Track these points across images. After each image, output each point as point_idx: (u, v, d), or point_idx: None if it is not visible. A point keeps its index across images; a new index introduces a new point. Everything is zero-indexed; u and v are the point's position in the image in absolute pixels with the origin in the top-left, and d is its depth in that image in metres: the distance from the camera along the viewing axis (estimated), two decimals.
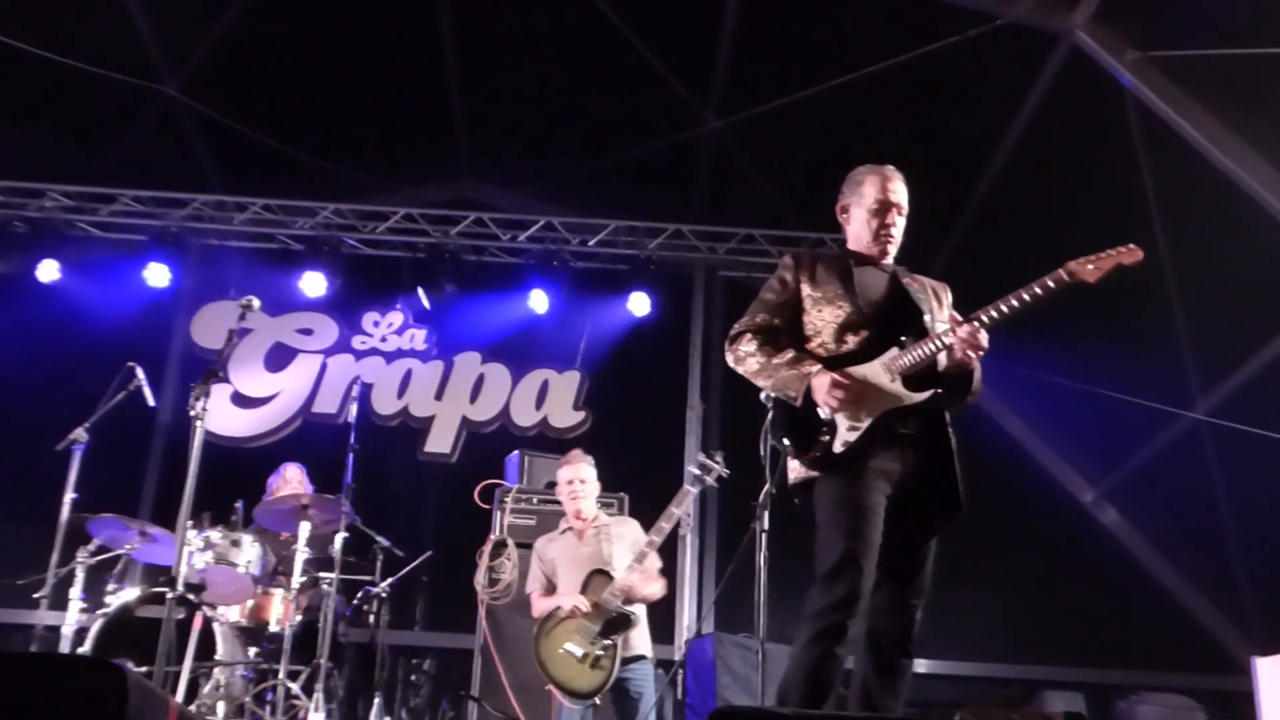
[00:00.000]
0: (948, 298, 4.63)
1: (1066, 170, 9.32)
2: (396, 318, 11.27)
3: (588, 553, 6.77)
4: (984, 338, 4.21)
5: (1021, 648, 10.76)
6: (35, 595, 7.07)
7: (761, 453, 4.70)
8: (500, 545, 7.91)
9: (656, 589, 6.73)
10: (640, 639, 6.62)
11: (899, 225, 4.57)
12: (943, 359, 4.29)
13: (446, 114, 11.04)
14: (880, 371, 4.26)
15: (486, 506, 8.34)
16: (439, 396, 11.03)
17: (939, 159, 10.02)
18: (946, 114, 9.63)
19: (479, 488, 8.38)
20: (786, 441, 4.37)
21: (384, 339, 11.19)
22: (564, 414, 10.99)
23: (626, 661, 6.47)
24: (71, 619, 7.05)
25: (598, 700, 6.42)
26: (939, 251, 9.87)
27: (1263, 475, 9.08)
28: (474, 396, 11.06)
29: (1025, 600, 10.50)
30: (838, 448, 4.22)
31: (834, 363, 4.30)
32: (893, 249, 4.57)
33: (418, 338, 11.18)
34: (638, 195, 10.94)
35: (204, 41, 10.05)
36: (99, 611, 7.04)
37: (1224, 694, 9.92)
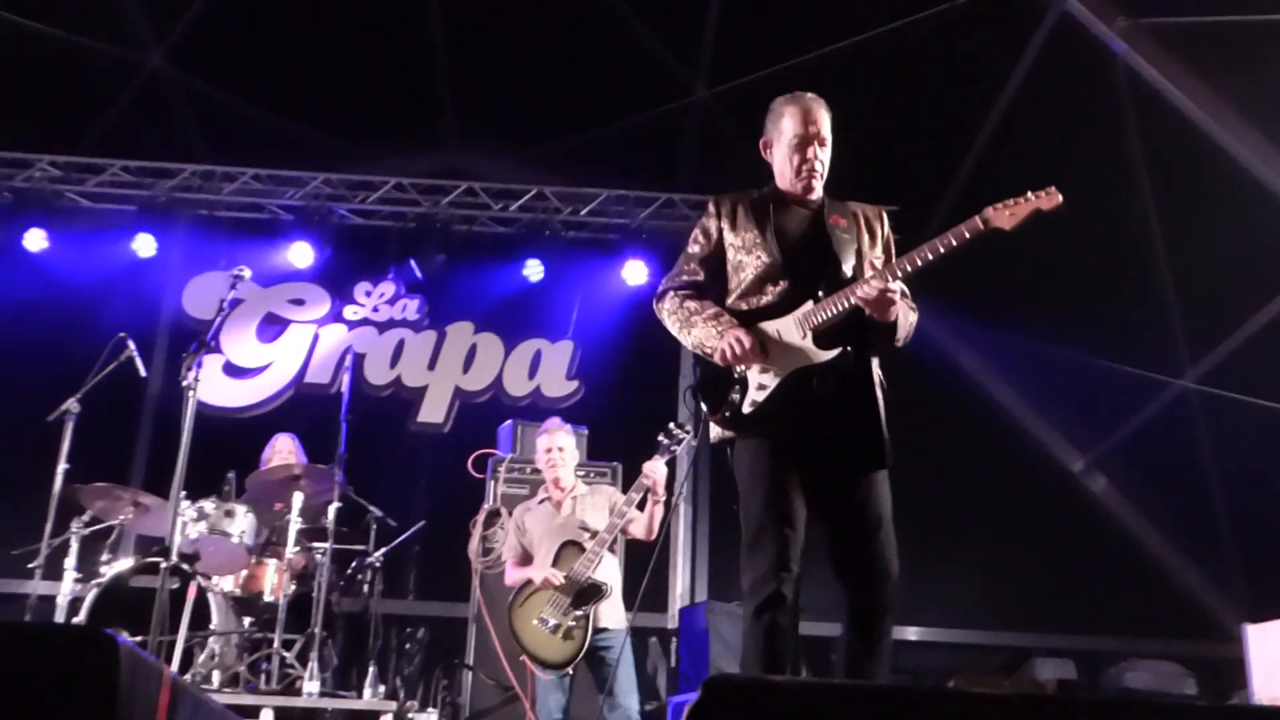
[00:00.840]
0: (882, 228, 4.46)
1: (1057, 138, 9.30)
2: (388, 288, 11.24)
3: (564, 522, 6.76)
4: (896, 289, 4.03)
5: (1012, 615, 10.80)
6: (29, 565, 7.10)
7: (688, 409, 4.64)
8: (494, 515, 7.92)
9: (641, 529, 6.69)
10: (610, 612, 6.58)
11: (823, 158, 4.37)
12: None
13: (435, 83, 11.00)
14: (793, 327, 4.16)
15: (480, 476, 8.37)
16: (431, 366, 11.02)
17: (929, 127, 10.01)
18: (937, 82, 9.61)
19: (472, 457, 8.40)
20: (702, 402, 4.32)
21: (376, 309, 11.17)
22: (557, 384, 10.99)
23: (597, 631, 6.48)
24: (66, 589, 7.08)
25: (570, 670, 6.46)
26: (929, 220, 9.86)
27: (1252, 442, 9.11)
28: (467, 366, 11.05)
29: (1016, 568, 10.53)
30: (746, 408, 4.17)
31: (751, 317, 4.24)
32: (818, 183, 4.38)
33: (410, 308, 11.16)
34: (628, 164, 10.91)
35: (191, 11, 10.00)
36: (93, 581, 7.06)
37: (1214, 661, 9.97)
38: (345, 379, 8.10)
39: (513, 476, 8.31)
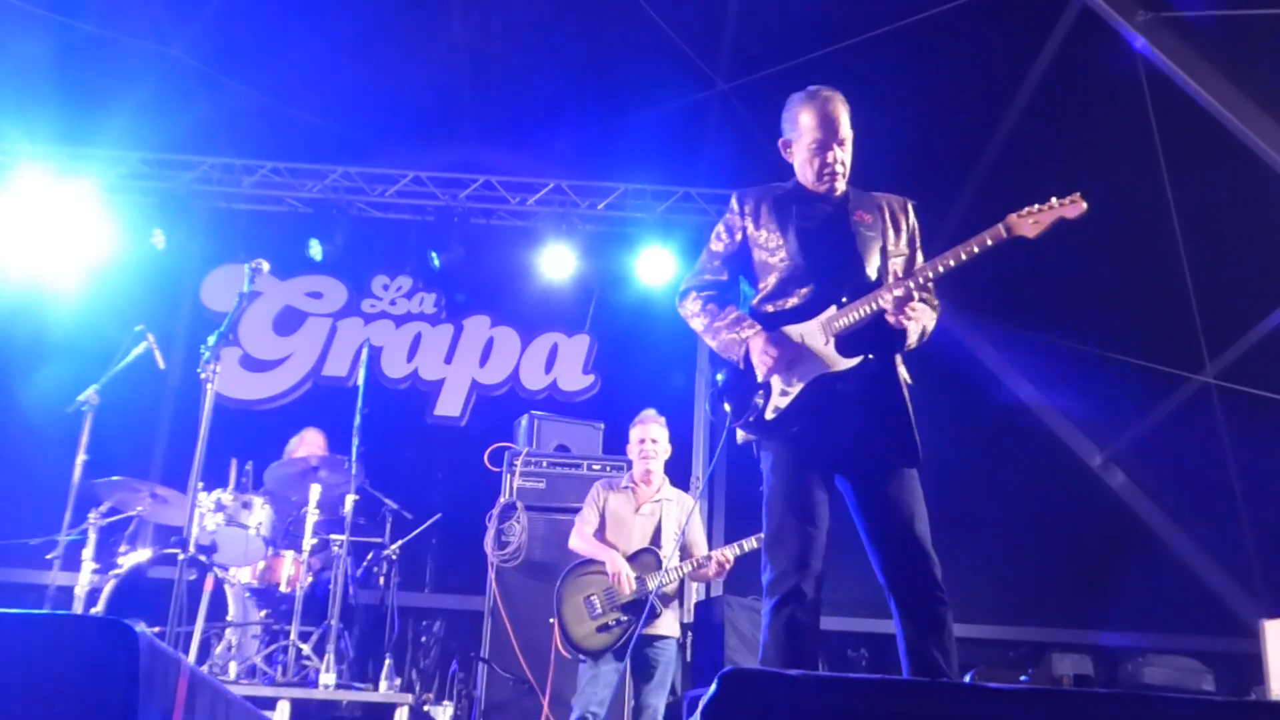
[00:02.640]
0: (908, 219, 4.45)
1: (1077, 132, 9.27)
2: (406, 281, 11.26)
3: (643, 525, 6.82)
4: (913, 301, 4.05)
5: (1030, 611, 10.77)
6: (48, 556, 7.14)
7: (714, 415, 4.60)
8: (510, 508, 7.95)
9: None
10: (667, 622, 6.70)
11: (844, 158, 4.34)
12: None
13: (455, 76, 11.00)
14: (817, 331, 4.17)
15: (496, 469, 8.37)
16: (448, 360, 11.04)
17: (948, 121, 9.98)
18: (955, 76, 9.57)
19: (488, 451, 8.42)
20: (727, 407, 4.33)
21: (393, 302, 11.19)
22: (573, 377, 11.00)
23: (657, 638, 6.59)
24: (84, 580, 7.11)
25: (582, 658, 6.54)
26: (947, 214, 9.84)
27: (1272, 438, 9.06)
28: (484, 360, 11.06)
29: (1034, 563, 10.51)
30: (769, 414, 4.18)
31: (777, 320, 4.24)
32: (840, 183, 4.36)
33: (427, 301, 11.18)
34: (646, 158, 10.89)
35: (212, 3, 10.01)
36: (111, 573, 7.10)
37: (1232, 656, 9.93)
38: (362, 372, 8.11)
39: (529, 470, 8.31)
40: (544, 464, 8.29)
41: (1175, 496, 10.79)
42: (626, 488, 7.00)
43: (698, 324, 4.45)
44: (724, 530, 10.62)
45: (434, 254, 10.71)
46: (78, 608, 6.98)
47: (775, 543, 4.08)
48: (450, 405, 10.93)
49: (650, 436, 7.01)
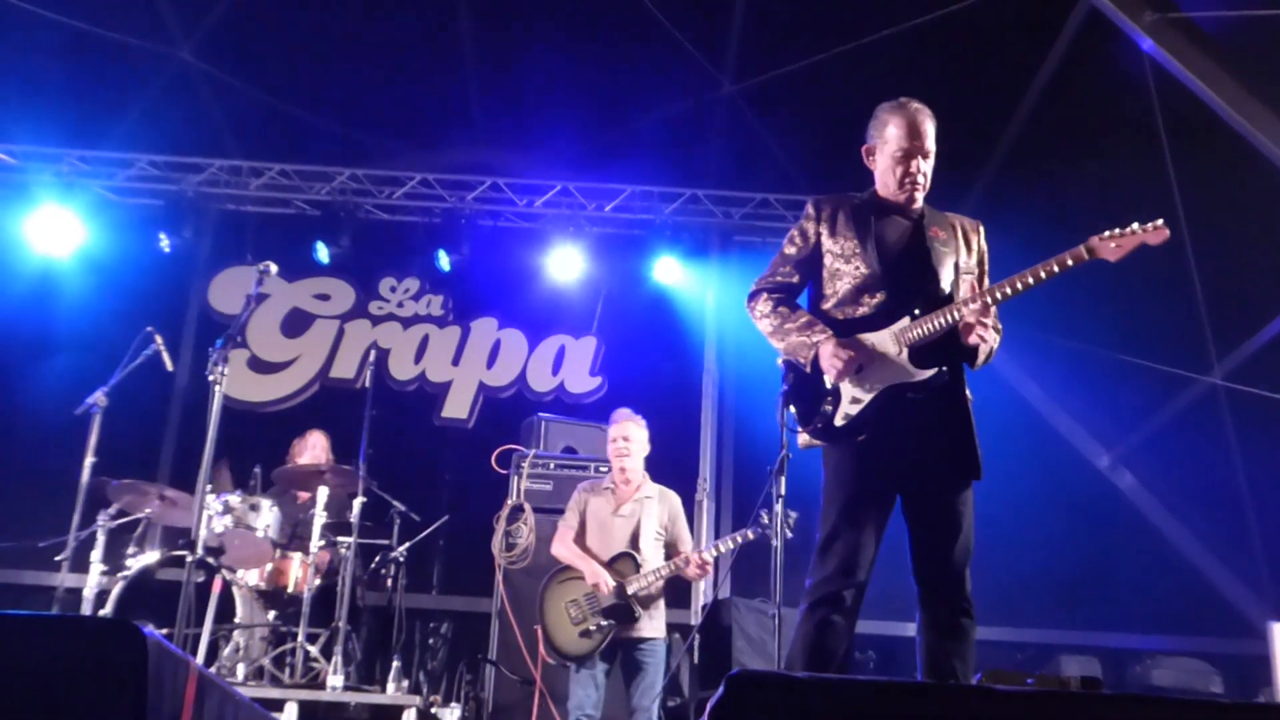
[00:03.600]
0: (978, 240, 4.49)
1: (1085, 134, 9.26)
2: (413, 283, 11.27)
3: (622, 527, 6.82)
4: (991, 316, 4.09)
5: (1037, 612, 10.75)
6: (56, 558, 7.15)
7: (778, 417, 4.60)
8: (517, 510, 7.95)
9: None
10: (651, 623, 6.66)
11: (926, 170, 4.41)
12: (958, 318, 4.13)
13: (462, 79, 11.01)
14: (889, 341, 4.17)
15: (503, 471, 8.37)
16: (456, 362, 11.04)
17: (956, 123, 9.96)
18: (964, 78, 9.56)
19: (496, 453, 8.42)
20: (792, 410, 4.34)
21: (400, 304, 11.20)
22: (580, 379, 11.00)
23: (641, 641, 6.58)
24: (92, 582, 7.12)
25: (568, 664, 6.57)
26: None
27: None
28: (491, 362, 11.06)
29: (1041, 564, 10.49)
30: (838, 420, 4.18)
31: (847, 328, 4.23)
32: (920, 195, 4.41)
33: (434, 303, 11.19)
34: (653, 160, 10.89)
35: (220, 5, 10.02)
36: (119, 574, 7.10)
37: (1240, 658, 9.92)
38: (369, 374, 8.12)
39: (536, 472, 8.31)
40: (551, 466, 8.29)
41: (1183, 498, 10.78)
42: (607, 489, 7.01)
43: (767, 325, 4.43)
44: (731, 531, 10.61)
45: (444, 255, 10.69)
46: (86, 609, 6.99)
47: (826, 547, 4.09)
48: (458, 407, 10.93)
49: (623, 435, 7.01)
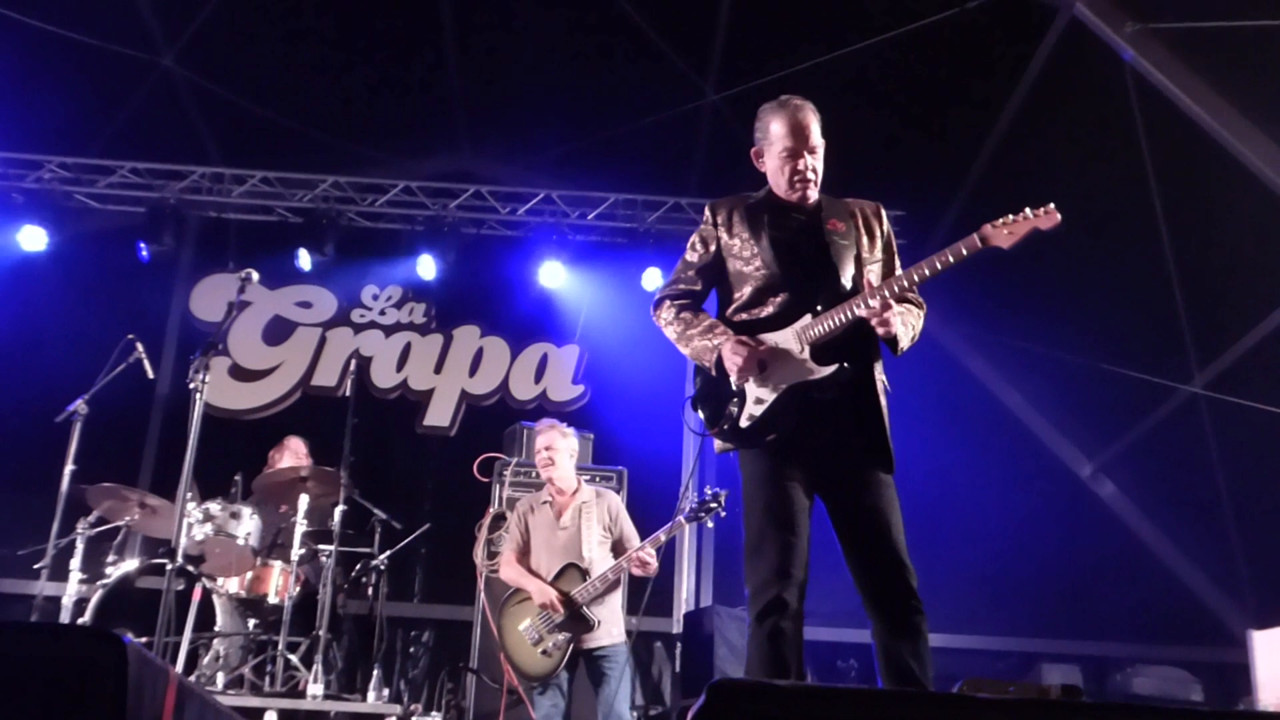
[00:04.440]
0: (881, 226, 4.43)
1: (1066, 143, 9.29)
2: (395, 291, 11.28)
3: (565, 538, 6.77)
4: (894, 309, 4.02)
5: (1019, 620, 10.78)
6: (35, 566, 7.11)
7: (685, 420, 4.59)
8: (499, 518, 7.94)
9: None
10: (607, 632, 6.62)
11: (815, 165, 4.31)
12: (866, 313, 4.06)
13: (445, 86, 11.01)
14: (792, 340, 4.14)
15: (485, 479, 8.37)
16: (438, 370, 11.05)
17: (937, 132, 10.01)
18: (945, 87, 9.60)
19: (478, 461, 8.41)
20: (700, 414, 4.32)
21: (383, 312, 11.20)
22: (563, 387, 11.02)
23: (596, 652, 6.57)
24: (72, 590, 7.09)
25: (534, 686, 6.56)
26: (936, 225, 9.87)
27: (1260, 448, 9.09)
28: (473, 370, 11.07)
29: (1023, 573, 10.52)
30: (743, 421, 4.16)
31: (753, 329, 4.22)
32: (813, 191, 4.33)
33: (417, 311, 11.19)
34: (637, 168, 10.90)
35: (202, 13, 10.00)
36: (99, 582, 7.08)
37: (1220, 667, 9.96)
38: (351, 382, 8.11)
39: (518, 480, 8.33)
40: (533, 474, 8.27)
41: (1164, 506, 10.82)
42: (545, 502, 6.98)
43: (672, 332, 4.45)
44: (714, 539, 10.62)
45: (429, 259, 10.65)
46: (65, 617, 6.95)
47: (755, 552, 4.04)
48: (440, 415, 10.93)
49: (546, 445, 6.99)
